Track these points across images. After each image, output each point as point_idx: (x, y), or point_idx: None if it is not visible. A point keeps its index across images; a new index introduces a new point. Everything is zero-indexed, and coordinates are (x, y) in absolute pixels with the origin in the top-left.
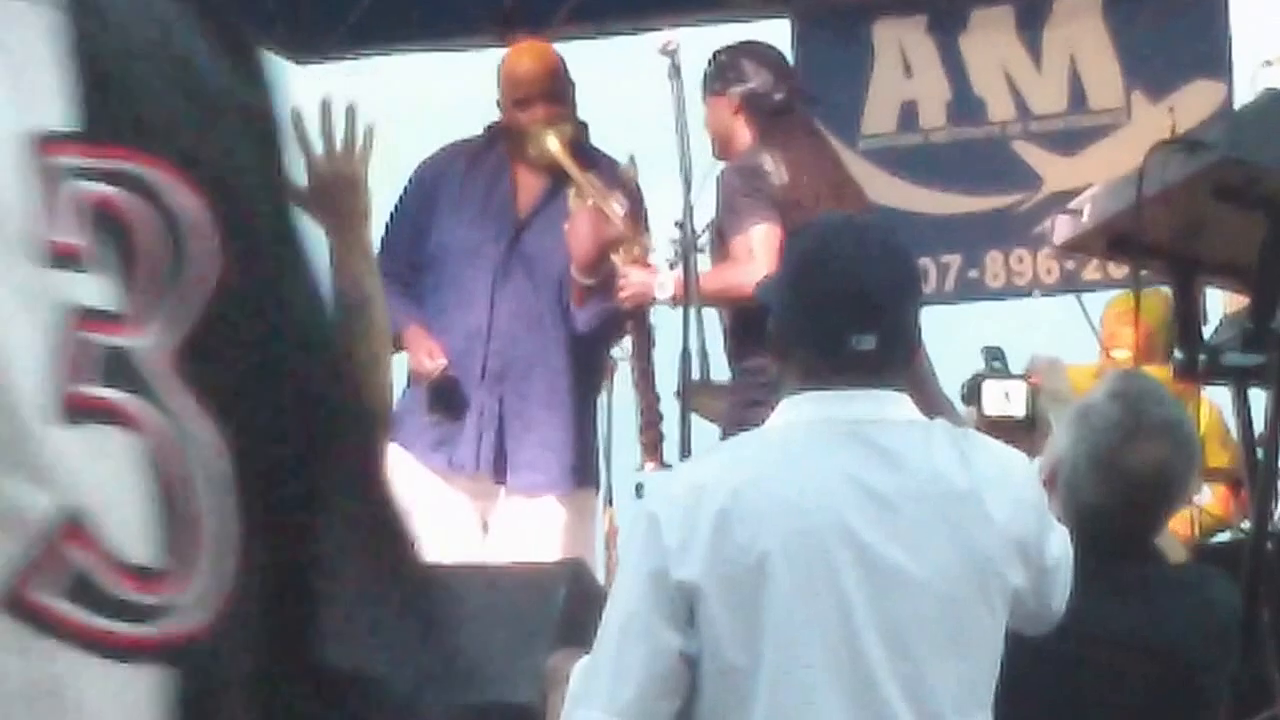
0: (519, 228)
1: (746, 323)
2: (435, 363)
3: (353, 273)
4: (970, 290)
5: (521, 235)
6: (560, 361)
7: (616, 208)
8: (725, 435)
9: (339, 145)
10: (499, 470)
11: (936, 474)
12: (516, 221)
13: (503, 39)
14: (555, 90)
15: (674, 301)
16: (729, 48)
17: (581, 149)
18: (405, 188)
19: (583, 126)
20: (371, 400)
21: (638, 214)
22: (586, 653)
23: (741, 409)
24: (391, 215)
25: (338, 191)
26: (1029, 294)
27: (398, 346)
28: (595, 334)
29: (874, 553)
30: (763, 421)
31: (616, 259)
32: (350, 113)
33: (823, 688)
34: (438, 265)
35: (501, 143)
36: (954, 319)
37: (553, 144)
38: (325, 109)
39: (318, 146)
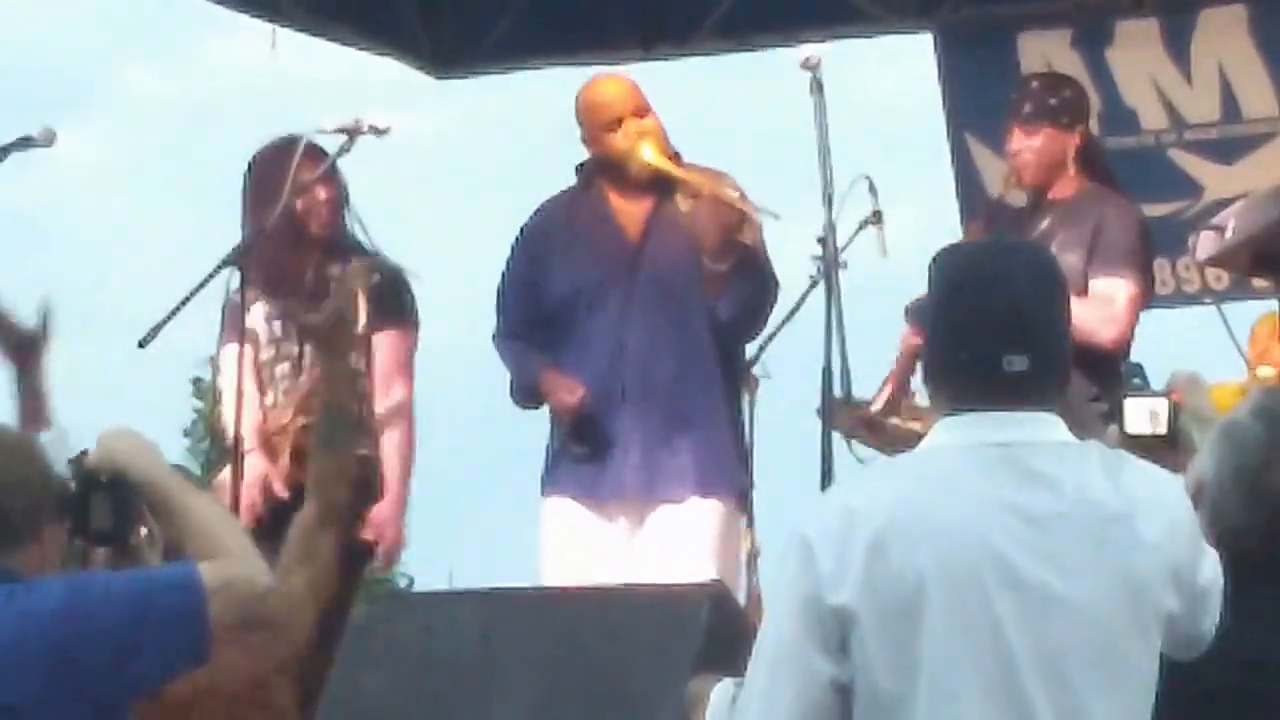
0: (634, 252)
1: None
2: (576, 395)
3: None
4: None
5: (639, 259)
6: (702, 370)
7: (730, 191)
8: None
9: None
10: (651, 486)
11: (1090, 497)
12: (630, 247)
13: (646, 52)
14: (641, 107)
15: None
16: (1066, 80)
17: (677, 158)
18: (511, 249)
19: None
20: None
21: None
22: (726, 676)
23: None
24: (502, 277)
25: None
26: (1200, 301)
27: (536, 398)
28: (739, 322)
29: (1029, 578)
30: None
31: (743, 239)
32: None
33: (978, 716)
34: (561, 315)
35: (596, 178)
36: None
37: (649, 153)
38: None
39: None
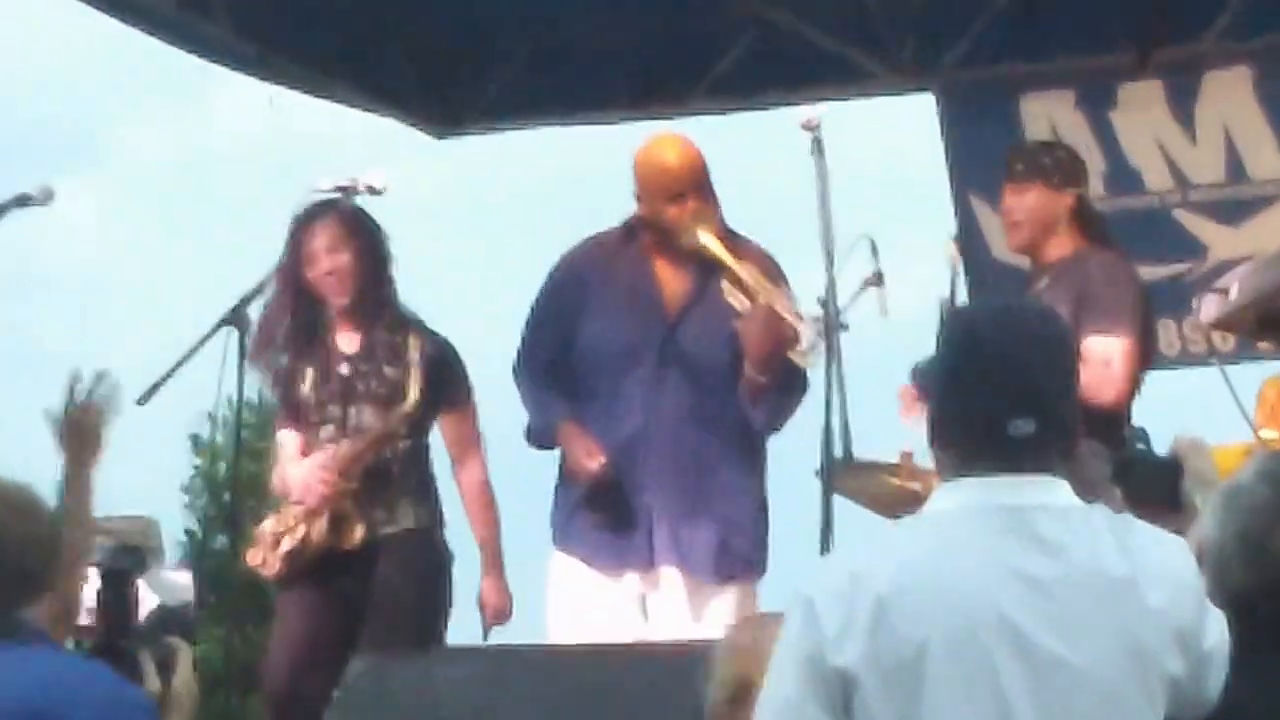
0: (671, 325)
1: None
2: (596, 461)
3: (75, 495)
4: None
5: (675, 333)
6: (728, 452)
7: (785, 304)
8: None
9: (84, 402)
10: (674, 562)
11: (1095, 561)
12: (667, 319)
13: (641, 113)
14: (705, 182)
15: None
16: (1060, 145)
17: (732, 239)
18: (544, 288)
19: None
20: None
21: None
22: None
23: None
24: (532, 313)
25: (78, 437)
26: (1205, 363)
27: (551, 444)
28: (770, 428)
29: (1033, 643)
30: None
31: (793, 356)
32: (100, 377)
33: None
34: (589, 369)
35: (642, 237)
36: None
37: (708, 240)
38: (76, 376)
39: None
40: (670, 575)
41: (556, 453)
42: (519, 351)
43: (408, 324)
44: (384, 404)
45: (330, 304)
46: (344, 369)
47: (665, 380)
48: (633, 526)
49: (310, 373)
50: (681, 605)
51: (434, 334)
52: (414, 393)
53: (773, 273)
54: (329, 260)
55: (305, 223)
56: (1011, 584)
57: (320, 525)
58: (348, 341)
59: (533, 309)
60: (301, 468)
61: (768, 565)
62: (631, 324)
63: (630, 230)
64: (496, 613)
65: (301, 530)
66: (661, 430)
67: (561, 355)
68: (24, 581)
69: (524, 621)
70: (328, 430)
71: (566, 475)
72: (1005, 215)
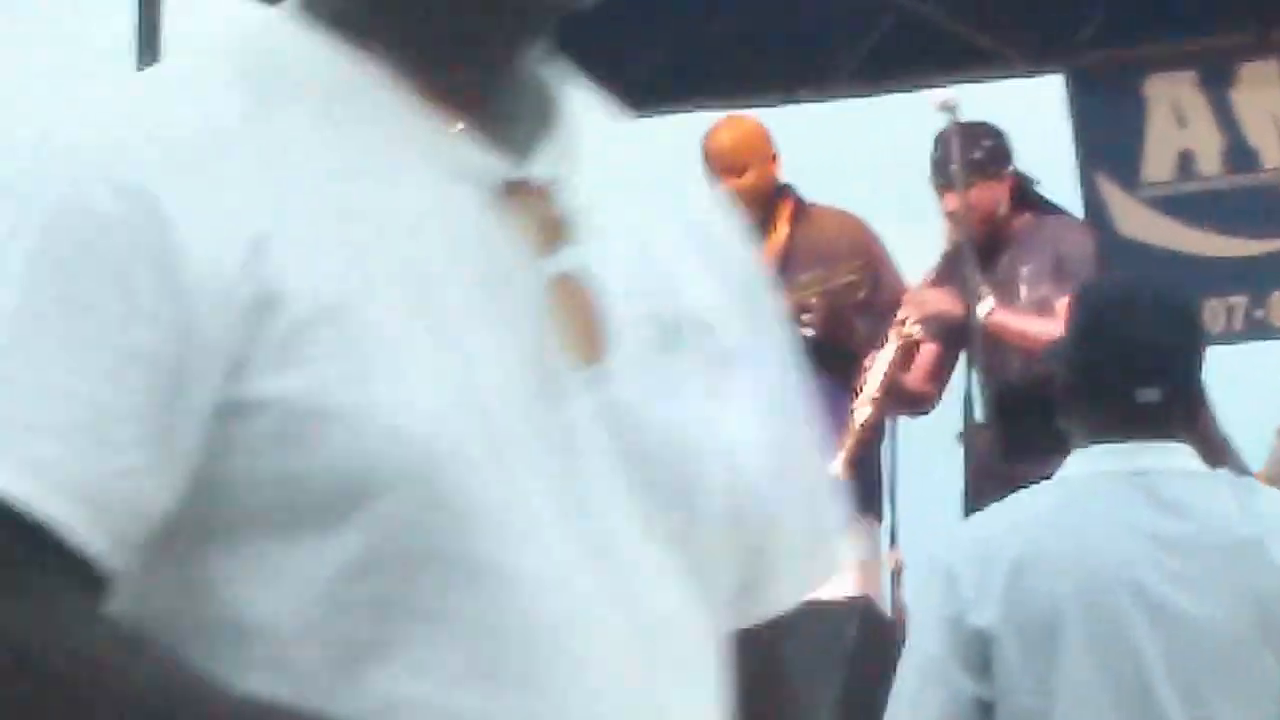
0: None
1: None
2: None
3: None
4: (1258, 330)
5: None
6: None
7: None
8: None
9: None
10: None
11: (1221, 522)
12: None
13: (786, 97)
14: (735, 164)
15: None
16: (986, 129)
17: (802, 214)
18: None
19: (785, 188)
20: None
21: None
22: (874, 688)
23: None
24: None
25: None
26: None
27: None
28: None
29: (1163, 602)
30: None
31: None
32: None
33: None
34: None
35: None
36: (1242, 362)
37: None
38: None
39: None
40: None
41: None
42: None
43: None
44: None
45: None
46: None
47: None
48: None
49: None
50: None
51: None
52: None
53: (855, 241)
54: None
55: None
56: (1140, 544)
57: None
58: None
59: None
60: None
61: (881, 507)
62: None
63: None
64: None
65: None
66: None
67: None
68: None
69: None
70: None
71: None
72: (949, 216)
